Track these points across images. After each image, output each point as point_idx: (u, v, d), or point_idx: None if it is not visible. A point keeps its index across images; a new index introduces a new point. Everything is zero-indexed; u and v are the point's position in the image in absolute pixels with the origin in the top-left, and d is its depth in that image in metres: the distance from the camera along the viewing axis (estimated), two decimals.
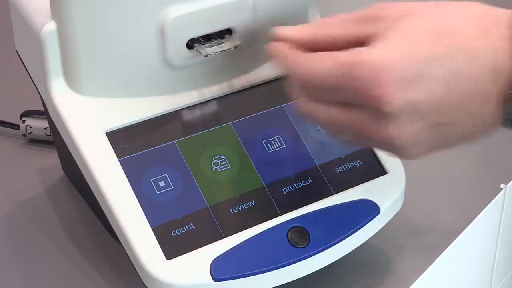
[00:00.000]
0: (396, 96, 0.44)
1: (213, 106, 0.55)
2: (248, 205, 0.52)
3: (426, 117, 0.45)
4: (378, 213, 0.54)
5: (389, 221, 0.55)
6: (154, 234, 0.50)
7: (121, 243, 0.51)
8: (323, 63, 0.46)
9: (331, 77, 0.46)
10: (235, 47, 0.54)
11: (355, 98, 0.46)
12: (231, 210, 0.52)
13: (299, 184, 0.54)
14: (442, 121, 0.45)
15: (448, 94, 0.45)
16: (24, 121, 0.70)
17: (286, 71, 0.49)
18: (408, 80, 0.44)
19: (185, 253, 0.50)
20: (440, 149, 0.48)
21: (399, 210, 0.56)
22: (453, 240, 0.59)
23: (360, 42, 0.46)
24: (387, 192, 0.55)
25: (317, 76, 0.46)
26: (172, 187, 0.52)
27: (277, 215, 0.52)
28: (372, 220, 0.54)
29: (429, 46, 0.45)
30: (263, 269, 0.50)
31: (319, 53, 0.47)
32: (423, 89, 0.44)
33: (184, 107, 0.55)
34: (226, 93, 0.56)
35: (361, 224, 0.53)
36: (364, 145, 0.55)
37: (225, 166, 0.53)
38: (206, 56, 0.53)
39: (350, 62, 0.45)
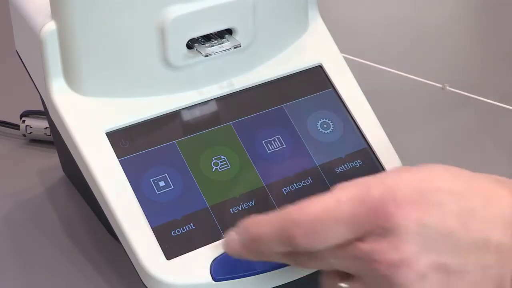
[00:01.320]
0: (407, 215, 0.42)
1: (213, 106, 0.55)
2: (248, 205, 0.52)
3: (436, 248, 0.42)
4: None
5: None
6: (154, 234, 0.50)
7: (121, 243, 0.51)
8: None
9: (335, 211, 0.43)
10: (235, 47, 0.54)
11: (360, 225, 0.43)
12: (231, 210, 0.52)
13: (299, 184, 0.54)
14: (452, 263, 0.42)
15: (461, 230, 0.42)
16: (24, 121, 0.70)
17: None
18: (420, 204, 0.42)
19: (185, 253, 0.50)
20: None
21: None
22: None
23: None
24: None
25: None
26: (172, 187, 0.52)
27: None
28: None
29: (448, 181, 0.43)
30: (263, 269, 0.50)
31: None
32: (435, 214, 0.42)
33: (184, 107, 0.55)
34: (226, 93, 0.56)
35: None
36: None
37: (225, 166, 0.53)
38: (206, 56, 0.53)
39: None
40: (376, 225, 0.42)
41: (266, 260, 0.48)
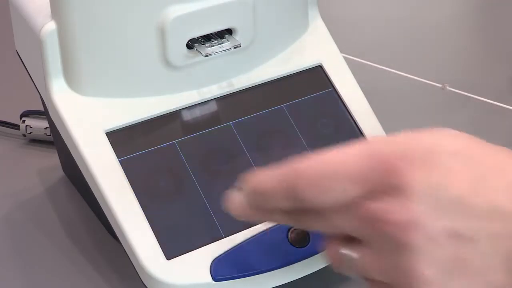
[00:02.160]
0: (418, 175, 0.40)
1: (213, 106, 0.55)
2: None
3: (447, 212, 0.40)
4: None
5: None
6: (154, 234, 0.50)
7: (121, 243, 0.51)
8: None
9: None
10: (235, 47, 0.54)
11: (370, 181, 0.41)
12: None
13: None
14: (464, 230, 0.40)
15: (473, 196, 0.40)
16: (24, 121, 0.70)
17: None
18: (431, 165, 0.40)
19: (185, 253, 0.50)
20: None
21: None
22: None
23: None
24: None
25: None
26: (172, 187, 0.52)
27: None
28: None
29: (459, 145, 0.42)
30: (263, 269, 0.50)
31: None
32: (446, 177, 0.40)
33: (184, 107, 0.55)
34: (226, 93, 0.56)
35: None
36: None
37: None
38: (206, 56, 0.53)
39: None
40: (384, 182, 0.40)
41: (269, 221, 0.46)
